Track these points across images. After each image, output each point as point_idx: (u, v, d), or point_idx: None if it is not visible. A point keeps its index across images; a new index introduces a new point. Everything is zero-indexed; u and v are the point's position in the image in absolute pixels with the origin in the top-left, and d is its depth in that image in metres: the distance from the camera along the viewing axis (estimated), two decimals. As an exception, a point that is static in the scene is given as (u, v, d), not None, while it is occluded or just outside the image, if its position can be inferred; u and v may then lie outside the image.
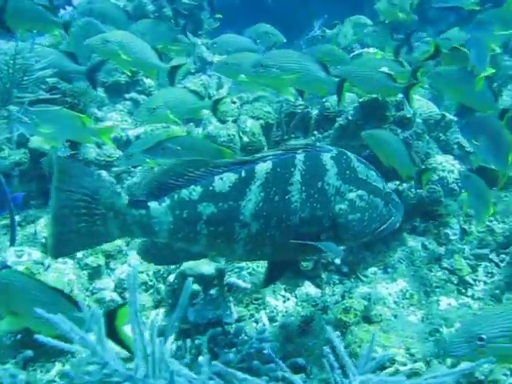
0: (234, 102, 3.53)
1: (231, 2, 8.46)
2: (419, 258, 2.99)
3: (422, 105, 3.58)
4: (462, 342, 1.59)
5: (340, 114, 3.49)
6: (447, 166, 3.22)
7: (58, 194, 1.80)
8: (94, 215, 1.82)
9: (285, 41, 4.93)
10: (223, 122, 3.30)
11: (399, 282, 2.70)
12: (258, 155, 1.95)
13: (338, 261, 2.96)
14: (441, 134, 3.59)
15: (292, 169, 1.90)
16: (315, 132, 3.62)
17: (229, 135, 3.22)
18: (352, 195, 1.94)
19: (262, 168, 1.89)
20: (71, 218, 1.80)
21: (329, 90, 3.09)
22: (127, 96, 4.40)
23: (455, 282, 2.96)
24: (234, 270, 2.87)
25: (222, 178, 1.88)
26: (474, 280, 3.00)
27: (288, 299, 2.86)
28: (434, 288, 2.84)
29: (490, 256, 3.17)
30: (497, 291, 2.95)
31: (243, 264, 2.86)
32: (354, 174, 1.96)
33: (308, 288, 2.88)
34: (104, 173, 3.34)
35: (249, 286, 2.77)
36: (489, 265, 3.12)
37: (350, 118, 3.29)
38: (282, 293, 2.89)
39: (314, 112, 3.71)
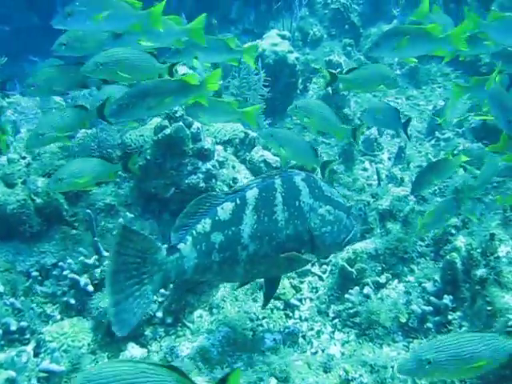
0: (24, 158, 3.21)
1: (30, 22, 7.83)
2: (242, 291, 2.91)
3: (223, 126, 3.51)
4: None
5: (140, 149, 3.30)
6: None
7: (116, 257, 2.03)
8: (142, 274, 2.05)
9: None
10: (11, 185, 2.98)
11: (222, 329, 2.59)
12: (244, 184, 2.27)
13: (159, 314, 2.80)
14: (247, 154, 3.54)
15: (274, 192, 2.21)
16: (119, 173, 3.40)
17: (19, 201, 2.92)
18: (322, 210, 2.27)
19: (251, 194, 2.19)
20: (125, 283, 2.02)
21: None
22: None
23: (281, 307, 2.93)
24: (46, 352, 2.61)
25: (222, 208, 2.17)
26: (300, 300, 2.98)
27: (113, 368, 2.65)
28: (260, 320, 2.78)
29: (313, 270, 3.19)
30: (323, 306, 2.96)
31: (55, 344, 2.61)
32: (321, 192, 2.30)
33: (132, 350, 2.69)
34: None
35: (63, 368, 2.51)
36: (312, 279, 3.14)
37: (148, 157, 3.12)
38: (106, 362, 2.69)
39: (117, 152, 3.48)
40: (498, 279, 2.33)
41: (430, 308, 2.77)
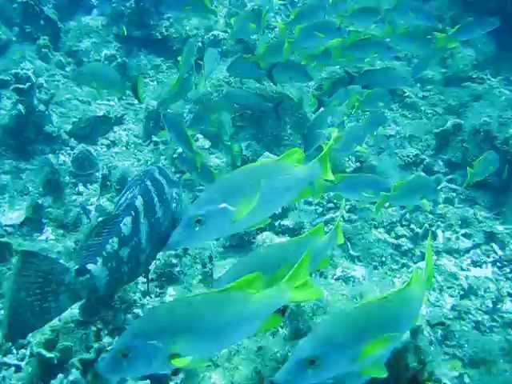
0: None
1: None
2: None
3: None
4: None
5: None
6: None
7: (17, 278, 2.07)
8: (46, 293, 2.10)
9: None
10: None
11: None
12: (128, 195, 2.42)
13: None
14: None
15: (150, 194, 2.42)
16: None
17: None
18: (174, 194, 2.58)
19: (139, 203, 2.36)
20: (26, 299, 2.06)
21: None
22: None
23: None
24: None
25: (124, 224, 2.29)
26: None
27: None
28: None
29: (6, 359, 2.62)
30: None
31: None
32: (169, 179, 2.58)
33: None
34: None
35: None
36: (6, 374, 2.57)
37: None
38: None
39: None
40: None
41: None
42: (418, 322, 1.69)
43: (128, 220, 2.31)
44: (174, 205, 2.55)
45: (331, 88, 4.09)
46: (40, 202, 3.73)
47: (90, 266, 2.20)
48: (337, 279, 2.65)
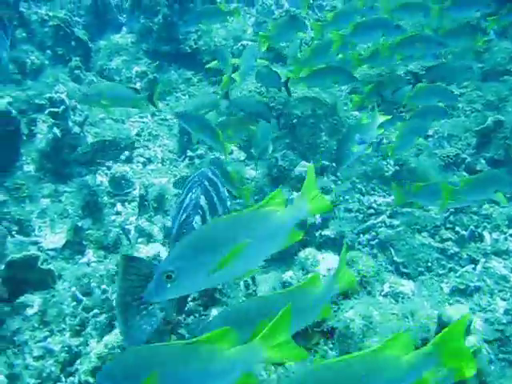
0: None
1: None
2: None
3: None
4: None
5: None
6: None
7: (122, 283, 2.22)
8: None
9: None
10: None
11: None
12: (194, 195, 2.56)
13: None
14: None
15: (210, 193, 2.58)
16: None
17: None
18: (226, 193, 2.75)
19: (203, 202, 2.52)
20: (132, 304, 2.19)
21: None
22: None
23: None
24: None
25: (196, 222, 2.43)
26: None
27: None
28: None
29: (57, 388, 2.61)
30: None
31: None
32: (218, 178, 2.75)
33: None
34: None
35: None
36: (57, 403, 2.57)
37: None
38: None
39: None
40: None
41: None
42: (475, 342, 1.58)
43: (198, 219, 2.48)
44: (229, 203, 2.72)
45: (373, 91, 4.02)
46: (80, 224, 3.75)
47: None
48: (385, 296, 2.57)
